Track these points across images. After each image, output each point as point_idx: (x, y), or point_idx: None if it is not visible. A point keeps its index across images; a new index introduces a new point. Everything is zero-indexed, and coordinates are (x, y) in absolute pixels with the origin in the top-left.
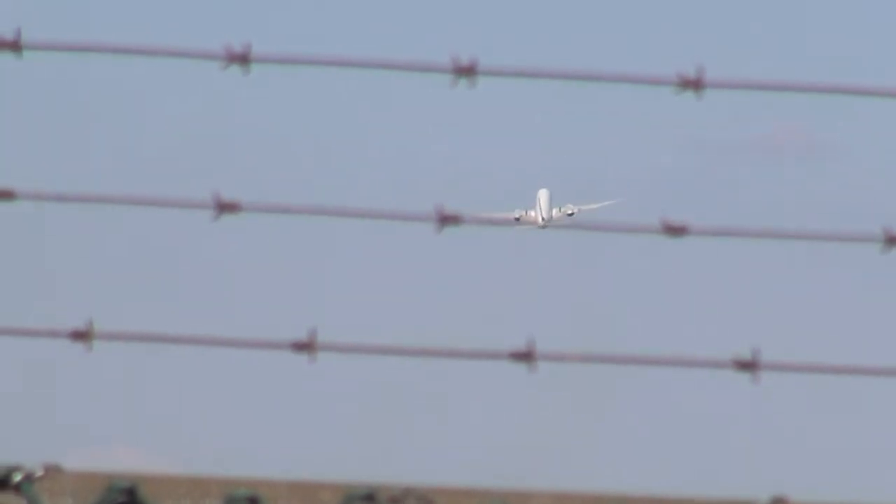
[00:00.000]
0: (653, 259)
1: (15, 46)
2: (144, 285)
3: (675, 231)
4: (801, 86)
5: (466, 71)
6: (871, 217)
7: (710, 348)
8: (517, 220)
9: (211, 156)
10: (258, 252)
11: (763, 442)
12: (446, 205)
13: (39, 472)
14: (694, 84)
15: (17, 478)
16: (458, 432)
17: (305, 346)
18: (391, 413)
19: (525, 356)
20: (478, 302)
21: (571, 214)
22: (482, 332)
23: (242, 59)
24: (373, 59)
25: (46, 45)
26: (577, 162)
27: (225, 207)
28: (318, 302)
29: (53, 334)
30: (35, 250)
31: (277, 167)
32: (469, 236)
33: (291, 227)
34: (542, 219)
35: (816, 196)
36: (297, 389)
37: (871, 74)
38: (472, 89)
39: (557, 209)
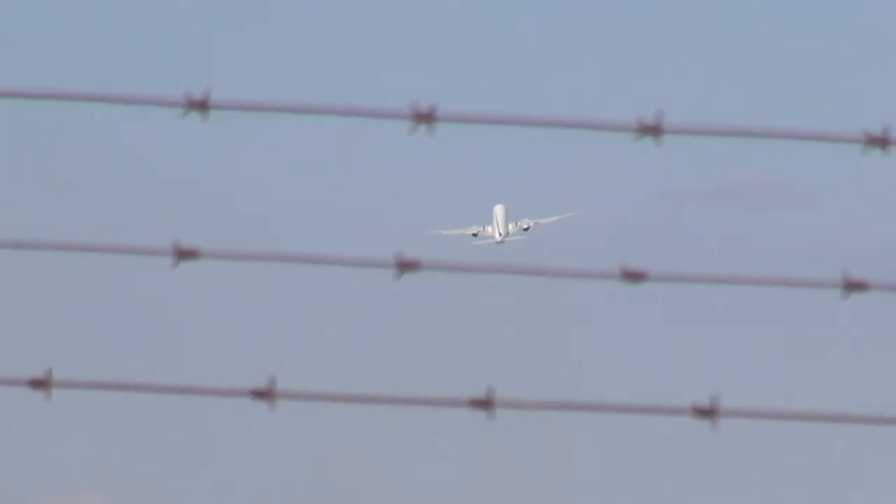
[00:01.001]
0: (612, 305)
1: None
2: (104, 333)
3: (634, 277)
4: (763, 132)
5: (426, 117)
6: (836, 262)
7: (669, 395)
8: (475, 235)
9: (170, 202)
10: (218, 299)
11: (722, 486)
12: (405, 223)
13: None
14: (653, 130)
15: None
16: (418, 479)
17: (265, 394)
18: (352, 460)
19: (484, 403)
20: (437, 349)
21: (527, 229)
22: (442, 379)
23: (202, 105)
24: (333, 106)
25: (2, 91)
26: (542, 205)
27: (184, 254)
28: (277, 350)
29: (13, 382)
30: None
31: (236, 214)
32: (428, 282)
33: (251, 274)
34: (500, 234)
35: (783, 242)
36: (258, 436)
37: (834, 120)
38: (432, 136)
39: (514, 224)
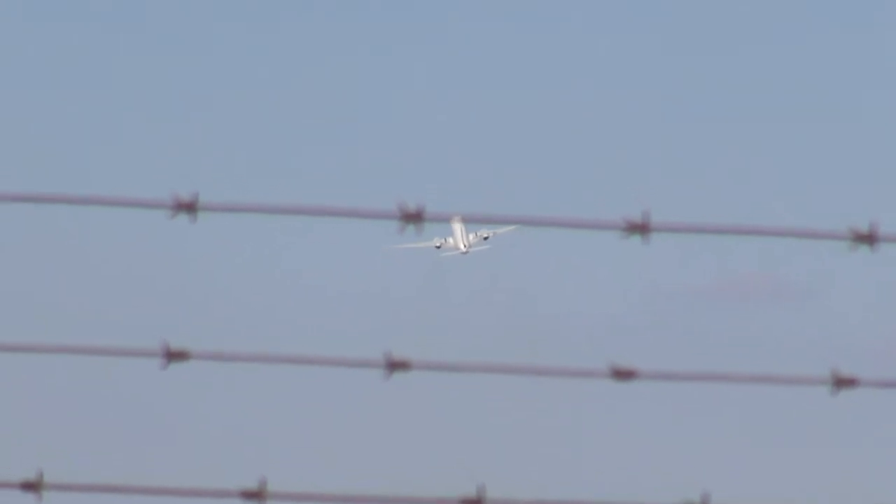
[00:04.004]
0: (602, 403)
1: None
2: (95, 434)
3: (623, 375)
4: (750, 229)
5: (414, 217)
6: (826, 358)
7: (660, 492)
8: (438, 247)
9: (159, 304)
10: (207, 400)
11: None
12: (359, 242)
13: None
14: (640, 228)
15: None
16: None
17: (255, 495)
18: None
19: (475, 502)
20: (428, 448)
21: (487, 238)
22: (432, 478)
23: (189, 207)
24: (318, 206)
25: None
26: (531, 307)
27: (174, 356)
28: (268, 450)
29: (4, 485)
30: None
31: (226, 315)
32: (418, 381)
33: (240, 375)
34: (463, 245)
35: (772, 339)
36: None
37: (818, 216)
38: (420, 235)
39: (473, 234)
